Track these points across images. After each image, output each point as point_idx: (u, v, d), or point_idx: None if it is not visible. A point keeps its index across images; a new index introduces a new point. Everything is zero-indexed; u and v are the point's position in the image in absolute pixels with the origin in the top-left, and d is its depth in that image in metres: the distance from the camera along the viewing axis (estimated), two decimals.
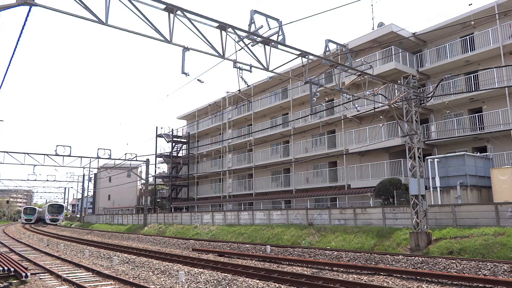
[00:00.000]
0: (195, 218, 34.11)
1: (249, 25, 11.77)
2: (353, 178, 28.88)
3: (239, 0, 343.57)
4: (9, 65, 10.55)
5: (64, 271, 13.16)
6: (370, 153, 28.06)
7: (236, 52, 12.02)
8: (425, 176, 19.71)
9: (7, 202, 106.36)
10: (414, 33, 27.29)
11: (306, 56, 13.34)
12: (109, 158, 35.82)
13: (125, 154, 37.69)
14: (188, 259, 15.78)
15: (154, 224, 38.94)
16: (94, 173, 69.74)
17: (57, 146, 31.77)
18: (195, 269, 12.53)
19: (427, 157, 21.19)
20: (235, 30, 11.68)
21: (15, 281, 11.10)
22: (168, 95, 78.64)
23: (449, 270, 11.54)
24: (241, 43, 11.99)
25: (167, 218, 38.59)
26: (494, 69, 22.67)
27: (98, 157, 35.10)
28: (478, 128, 24.24)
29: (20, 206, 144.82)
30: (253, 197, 37.26)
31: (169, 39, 10.56)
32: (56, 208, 72.39)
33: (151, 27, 10.29)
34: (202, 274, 11.48)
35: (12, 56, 10.08)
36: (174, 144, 48.76)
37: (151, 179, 47.39)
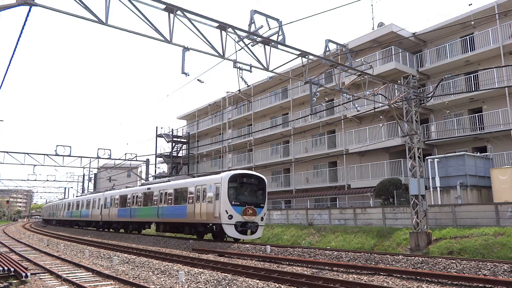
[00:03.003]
0: None
1: (249, 25, 11.78)
2: (353, 178, 28.87)
3: (239, 0, 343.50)
4: (9, 65, 10.55)
5: (64, 271, 13.16)
6: (370, 153, 28.05)
7: (236, 52, 12.03)
8: (425, 176, 19.70)
9: (7, 202, 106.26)
10: (414, 33, 27.29)
11: (306, 56, 13.35)
12: (109, 158, 35.93)
13: (125, 154, 37.81)
14: (188, 259, 15.76)
15: None
16: (94, 173, 69.72)
17: (57, 146, 31.89)
18: (195, 269, 12.52)
19: (427, 157, 21.19)
20: (235, 30, 11.68)
21: (15, 281, 11.09)
22: (168, 95, 78.81)
23: (449, 270, 11.54)
24: (241, 43, 12.00)
25: None
26: (494, 69, 22.67)
27: (98, 157, 35.19)
28: (478, 128, 24.24)
29: (19, 206, 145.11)
30: None
31: (169, 39, 10.57)
32: (252, 193, 21.41)
33: (151, 27, 10.30)
34: (202, 274, 11.47)
35: (12, 56, 10.08)
36: (174, 144, 48.76)
37: (151, 179, 47.38)
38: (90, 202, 38.21)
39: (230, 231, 19.78)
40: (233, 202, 19.89)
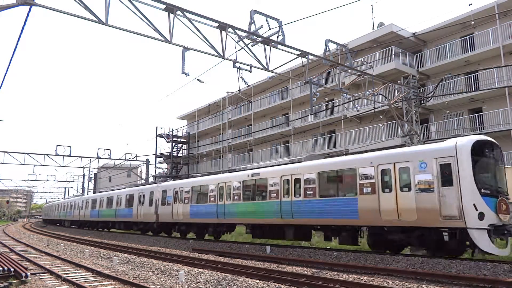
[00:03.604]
0: None
1: (249, 25, 11.80)
2: None
3: (239, 0, 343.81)
4: (9, 65, 10.56)
5: (64, 271, 13.16)
6: None
7: (236, 52, 12.05)
8: None
9: (7, 202, 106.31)
10: (414, 33, 27.30)
11: (306, 56, 13.36)
12: (109, 158, 35.95)
13: (125, 154, 37.84)
14: (188, 259, 15.77)
15: None
16: (94, 173, 69.74)
17: (57, 146, 31.95)
18: (195, 269, 12.52)
19: None
20: (235, 30, 11.69)
21: (15, 281, 11.09)
22: (168, 95, 78.89)
23: (449, 270, 11.53)
24: (241, 43, 12.02)
25: None
26: (494, 69, 22.68)
27: (98, 157, 35.22)
28: (478, 128, 24.24)
29: (19, 206, 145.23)
30: None
31: (169, 39, 10.58)
32: (499, 176, 12.94)
33: (151, 27, 10.31)
34: (202, 274, 11.48)
35: (12, 56, 10.09)
36: (174, 144, 48.77)
37: (151, 179, 47.44)
38: (133, 197, 29.05)
39: (484, 242, 11.27)
40: (482, 191, 11.57)
